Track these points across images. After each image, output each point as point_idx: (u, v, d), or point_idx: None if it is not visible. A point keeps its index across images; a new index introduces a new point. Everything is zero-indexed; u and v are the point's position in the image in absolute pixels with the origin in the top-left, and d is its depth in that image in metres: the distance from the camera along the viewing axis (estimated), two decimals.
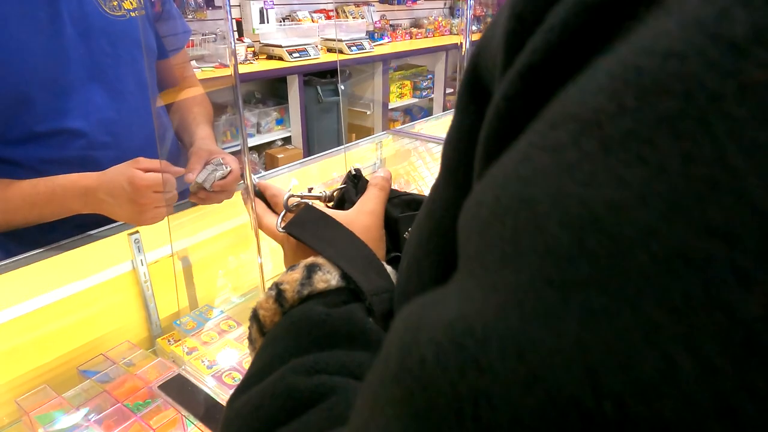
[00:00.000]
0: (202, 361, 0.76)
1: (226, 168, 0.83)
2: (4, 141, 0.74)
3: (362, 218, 0.40)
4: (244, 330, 0.84)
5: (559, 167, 0.13)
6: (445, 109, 3.91)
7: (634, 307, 0.10)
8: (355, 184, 0.45)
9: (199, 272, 0.91)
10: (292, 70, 2.72)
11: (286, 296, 0.33)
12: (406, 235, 0.40)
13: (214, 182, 0.81)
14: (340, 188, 0.45)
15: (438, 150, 1.32)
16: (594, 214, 0.11)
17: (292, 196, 0.43)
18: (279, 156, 2.83)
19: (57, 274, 0.76)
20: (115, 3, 0.79)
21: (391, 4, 3.63)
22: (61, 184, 0.73)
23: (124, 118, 0.81)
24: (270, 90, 3.00)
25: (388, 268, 0.35)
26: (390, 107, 3.45)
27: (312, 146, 2.94)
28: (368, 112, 3.33)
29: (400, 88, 3.60)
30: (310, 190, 0.45)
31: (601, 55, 0.13)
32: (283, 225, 0.41)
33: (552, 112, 0.14)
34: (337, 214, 0.40)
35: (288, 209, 0.43)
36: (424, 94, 3.75)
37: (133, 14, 0.81)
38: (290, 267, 0.35)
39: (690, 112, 0.10)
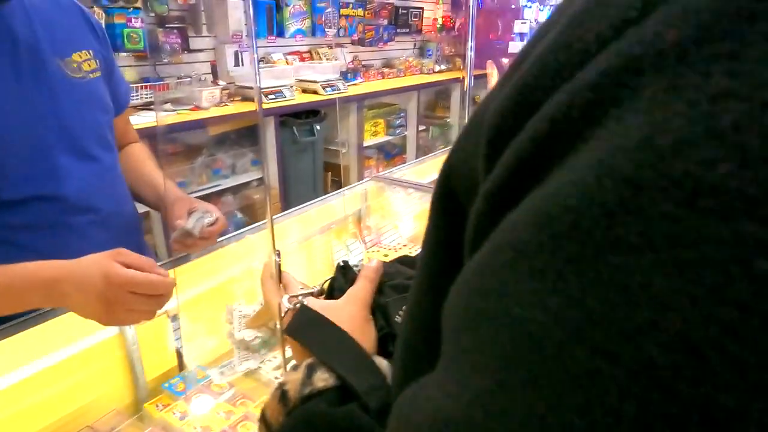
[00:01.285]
0: (195, 428, 0.73)
1: (213, 215, 0.83)
2: None
3: (350, 308, 0.44)
4: (236, 391, 0.82)
5: (501, 288, 0.16)
6: (417, 146, 3.98)
7: (553, 407, 0.13)
8: (344, 274, 0.51)
9: (188, 330, 0.88)
10: (267, 112, 2.73)
11: (289, 396, 0.36)
12: (397, 318, 0.44)
13: (203, 228, 0.80)
14: (330, 279, 0.51)
15: (421, 196, 1.34)
16: (527, 331, 0.14)
17: (291, 296, 0.48)
18: (255, 197, 2.82)
19: (39, 343, 0.73)
20: (75, 65, 0.78)
21: (363, 45, 3.73)
22: (20, 274, 0.63)
23: (95, 180, 0.80)
24: (245, 131, 3.00)
25: (378, 360, 0.40)
26: (364, 145, 3.49)
27: (288, 186, 2.94)
28: (343, 151, 3.36)
29: (374, 126, 3.66)
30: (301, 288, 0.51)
31: (541, 181, 0.16)
32: (284, 327, 0.46)
33: (497, 237, 0.17)
34: (328, 305, 0.45)
35: (288, 308, 0.48)
36: (397, 131, 3.82)
37: (92, 75, 0.81)
38: (293, 367, 0.40)
39: (583, 259, 0.13)
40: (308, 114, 3.00)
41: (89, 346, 0.77)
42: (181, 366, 0.87)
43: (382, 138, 3.74)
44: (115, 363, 0.80)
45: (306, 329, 0.42)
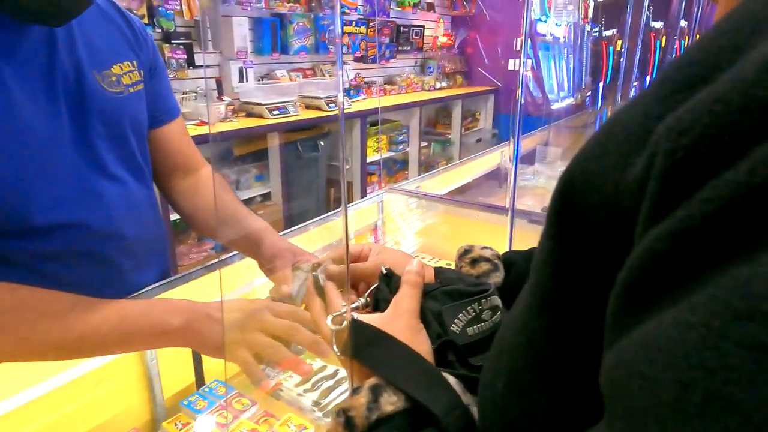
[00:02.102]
0: None
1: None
2: None
3: (399, 320, 0.41)
4: (258, 408, 0.79)
5: (709, 367, 0.13)
6: (419, 161, 3.98)
7: None
8: (387, 283, 0.47)
9: None
10: (272, 127, 2.73)
11: (355, 422, 0.33)
12: (453, 326, 0.42)
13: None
14: (373, 289, 0.48)
15: (437, 207, 1.32)
16: (747, 417, 0.12)
17: (335, 316, 0.44)
18: (259, 212, 2.79)
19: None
20: (114, 79, 0.72)
21: (365, 62, 3.75)
22: (162, 299, 0.66)
23: (122, 205, 0.74)
24: (248, 147, 2.99)
25: (445, 374, 0.36)
26: (367, 161, 3.49)
27: (291, 202, 2.92)
28: (347, 167, 3.35)
29: (377, 142, 3.66)
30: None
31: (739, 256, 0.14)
32: (337, 348, 0.43)
33: (696, 301, 0.15)
34: (375, 319, 0.41)
35: (333, 329, 0.45)
36: (399, 147, 3.83)
37: (131, 90, 0.75)
38: (354, 389, 0.35)
39: None
40: (311, 130, 3.00)
41: (107, 362, 0.74)
42: (200, 382, 0.84)
43: (385, 154, 3.74)
44: (134, 379, 0.77)
45: (365, 347, 0.39)
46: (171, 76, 2.45)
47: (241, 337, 0.59)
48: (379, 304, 0.47)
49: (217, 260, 0.93)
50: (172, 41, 2.46)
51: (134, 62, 0.76)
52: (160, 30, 2.40)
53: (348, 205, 1.28)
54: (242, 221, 0.83)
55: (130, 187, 0.75)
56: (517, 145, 0.78)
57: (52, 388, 0.67)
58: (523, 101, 0.88)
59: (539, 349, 0.24)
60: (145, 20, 2.29)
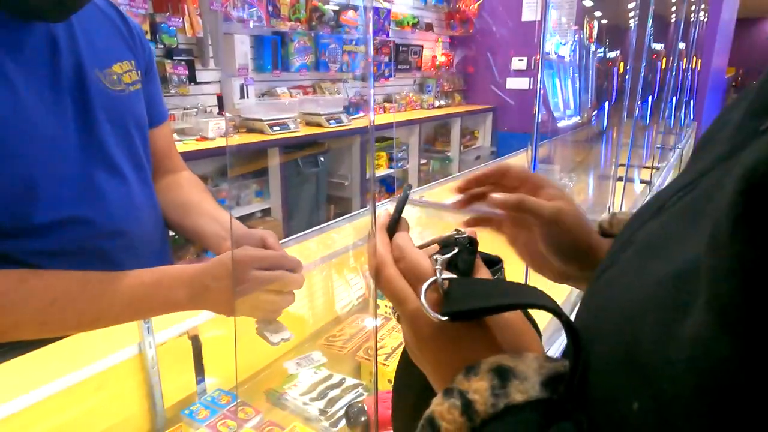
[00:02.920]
0: None
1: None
2: None
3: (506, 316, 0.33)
4: (263, 418, 0.76)
5: None
6: (419, 178, 3.99)
7: None
8: (470, 249, 0.37)
9: (210, 353, 0.83)
10: (272, 143, 2.73)
11: (476, 408, 0.27)
12: None
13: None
14: (454, 254, 0.37)
15: (441, 216, 1.31)
16: None
17: (430, 282, 0.34)
18: (260, 228, 2.77)
19: (52, 364, 0.67)
20: (116, 77, 0.73)
21: (365, 80, 3.78)
22: (167, 272, 0.67)
23: (127, 201, 0.73)
24: (249, 163, 2.99)
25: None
26: (366, 178, 3.49)
27: (291, 217, 2.91)
28: (346, 183, 3.35)
29: (377, 159, 3.67)
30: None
31: None
32: (438, 310, 0.33)
33: None
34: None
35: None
36: (399, 164, 3.83)
37: (131, 88, 0.76)
38: (468, 369, 0.29)
39: None
40: (312, 146, 3.00)
41: (106, 368, 0.71)
42: (201, 392, 0.81)
43: (384, 171, 3.75)
44: (134, 387, 0.75)
45: (472, 298, 0.32)
46: (172, 92, 2.46)
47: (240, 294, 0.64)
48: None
49: None
50: (174, 57, 2.47)
51: (132, 62, 0.76)
52: (162, 46, 2.41)
53: (343, 217, 1.27)
54: (221, 215, 0.84)
55: (134, 185, 0.74)
56: (535, 158, 0.77)
57: (50, 394, 0.64)
58: (540, 119, 0.88)
59: (720, 376, 0.19)
60: (148, 36, 2.31)
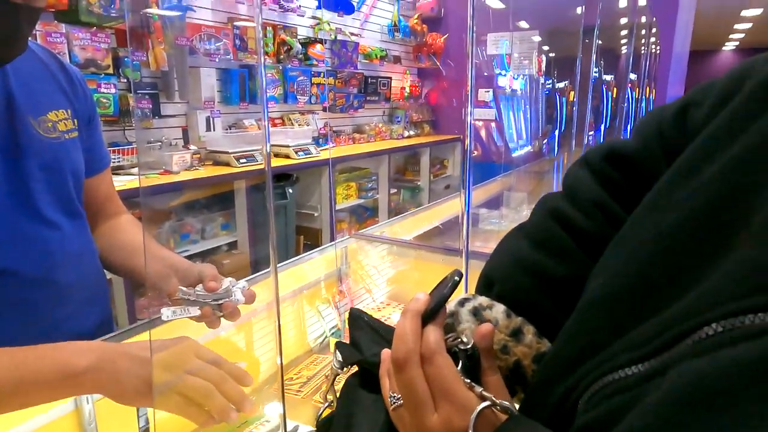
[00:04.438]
0: None
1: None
2: None
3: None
4: None
5: None
6: (389, 208, 4.00)
7: None
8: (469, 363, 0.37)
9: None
10: (239, 176, 2.71)
11: None
12: None
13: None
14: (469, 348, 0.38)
15: (403, 252, 1.31)
16: None
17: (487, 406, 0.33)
18: (224, 262, 2.72)
19: None
20: (50, 125, 0.72)
21: (334, 112, 3.82)
22: (76, 341, 0.57)
23: (56, 249, 0.72)
24: (215, 196, 2.95)
25: None
26: (336, 208, 3.49)
27: (259, 251, 2.87)
28: (316, 214, 3.33)
29: (346, 189, 3.67)
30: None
31: None
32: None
33: None
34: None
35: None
36: (369, 194, 3.85)
37: (67, 136, 0.75)
38: None
39: None
40: (280, 178, 2.99)
41: (39, 426, 0.67)
42: None
43: (354, 201, 3.75)
44: None
45: None
46: (136, 125, 2.43)
47: (169, 380, 0.54)
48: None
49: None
50: (138, 91, 2.45)
51: (68, 111, 0.76)
52: (125, 80, 2.39)
53: (311, 252, 1.26)
54: (161, 252, 0.82)
55: (67, 233, 0.73)
56: (468, 193, 0.79)
57: None
58: (477, 149, 0.91)
59: None
60: (110, 70, 2.29)
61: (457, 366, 0.35)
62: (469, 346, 0.37)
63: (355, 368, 0.45)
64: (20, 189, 0.68)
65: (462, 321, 0.41)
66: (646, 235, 0.30)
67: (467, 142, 0.90)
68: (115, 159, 2.34)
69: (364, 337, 0.43)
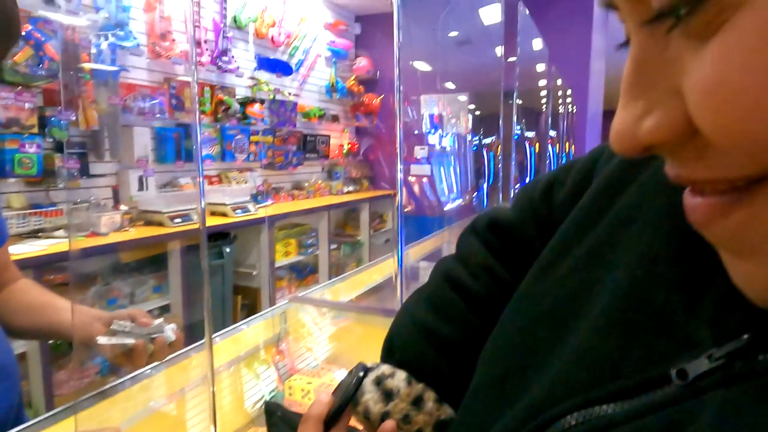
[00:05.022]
0: None
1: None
2: None
3: None
4: None
5: None
6: (330, 263, 3.98)
7: None
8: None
9: None
10: (172, 236, 2.62)
11: None
12: None
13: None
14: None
15: (343, 315, 1.30)
16: None
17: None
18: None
19: None
20: None
21: (273, 168, 3.83)
22: None
23: None
24: (147, 257, 2.82)
25: None
26: (276, 266, 3.43)
27: (194, 313, 2.74)
28: (254, 273, 3.26)
29: (286, 246, 3.63)
30: None
31: None
32: None
33: None
34: None
35: None
36: (309, 251, 3.82)
37: None
38: None
39: None
40: (216, 237, 2.92)
41: None
42: None
43: (294, 258, 3.70)
44: None
45: None
46: (61, 186, 2.32)
47: None
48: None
49: (108, 386, 0.84)
50: (66, 151, 2.36)
51: None
52: (51, 140, 2.30)
53: (250, 318, 1.23)
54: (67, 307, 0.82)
55: None
56: (401, 251, 0.82)
57: None
58: (411, 204, 0.95)
59: None
60: (35, 130, 2.20)
61: None
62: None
63: None
64: None
65: (365, 392, 0.42)
66: (512, 326, 0.33)
67: (398, 198, 0.94)
68: (36, 221, 2.21)
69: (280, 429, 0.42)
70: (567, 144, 4.79)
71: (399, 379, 0.42)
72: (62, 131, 2.31)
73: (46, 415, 0.75)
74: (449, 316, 0.44)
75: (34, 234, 2.19)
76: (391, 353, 0.45)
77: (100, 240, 2.29)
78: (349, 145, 4.76)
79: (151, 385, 0.93)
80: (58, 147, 2.35)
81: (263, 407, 0.42)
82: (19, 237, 2.11)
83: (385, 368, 0.43)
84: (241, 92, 3.50)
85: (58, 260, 2.06)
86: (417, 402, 0.41)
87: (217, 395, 1.08)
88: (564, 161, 4.83)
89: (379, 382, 0.42)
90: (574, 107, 5.06)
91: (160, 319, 0.77)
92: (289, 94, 3.97)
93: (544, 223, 0.43)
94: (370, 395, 0.41)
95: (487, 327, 0.38)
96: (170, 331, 0.76)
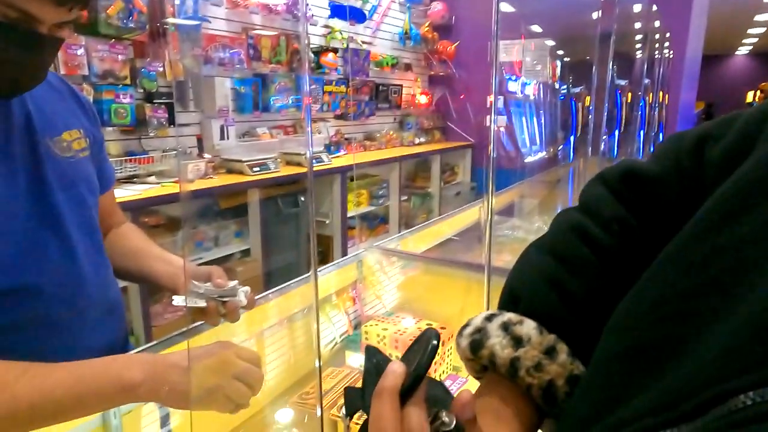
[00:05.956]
0: None
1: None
2: None
3: None
4: None
5: None
6: (399, 215, 4.01)
7: None
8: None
9: (178, 421, 0.81)
10: (252, 184, 2.74)
11: None
12: None
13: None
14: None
15: (416, 265, 1.32)
16: None
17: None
18: (238, 269, 2.75)
19: None
20: (65, 144, 0.76)
21: (346, 119, 3.84)
22: (123, 354, 0.64)
23: (77, 269, 0.74)
24: (228, 204, 2.98)
25: None
26: (348, 215, 3.50)
27: (271, 259, 2.89)
28: (327, 221, 3.35)
29: (357, 196, 3.69)
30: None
31: None
32: None
33: None
34: None
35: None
36: (380, 201, 3.86)
37: (81, 155, 0.78)
38: None
39: None
40: (292, 186, 3.02)
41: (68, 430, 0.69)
42: None
43: (365, 208, 3.76)
44: None
45: None
46: (151, 134, 2.47)
47: (216, 384, 0.61)
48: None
49: (192, 325, 0.92)
50: (154, 101, 2.49)
51: (80, 130, 0.79)
52: (142, 90, 2.43)
53: (329, 265, 1.28)
54: (166, 257, 0.88)
55: (87, 250, 0.75)
56: (491, 203, 0.79)
57: None
58: (495, 156, 0.91)
59: None
60: (128, 81, 2.33)
61: None
62: (451, 427, 0.33)
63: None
64: (44, 210, 0.70)
65: (491, 336, 0.40)
66: (662, 292, 0.30)
67: (490, 148, 0.90)
68: (131, 168, 2.38)
69: (369, 380, 0.39)
70: (661, 93, 4.40)
71: (529, 327, 0.40)
72: (151, 82, 2.43)
73: (146, 345, 0.84)
74: (578, 270, 0.41)
75: (130, 180, 2.37)
76: (514, 303, 0.43)
77: (186, 186, 2.43)
78: (422, 96, 4.66)
79: (232, 326, 1.00)
80: (148, 97, 2.49)
81: (365, 349, 0.42)
82: (117, 182, 2.29)
83: (512, 316, 0.42)
84: (316, 41, 3.49)
85: (151, 204, 2.23)
86: (549, 352, 0.39)
87: (292, 336, 1.14)
88: (656, 112, 4.46)
89: (506, 327, 0.40)
90: (671, 52, 4.61)
91: (235, 281, 0.79)
92: (362, 42, 3.91)
93: (690, 179, 0.40)
94: (497, 340, 0.40)
95: (618, 284, 0.36)
96: (242, 294, 0.78)
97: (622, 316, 0.33)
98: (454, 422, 0.33)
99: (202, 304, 0.76)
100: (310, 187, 0.54)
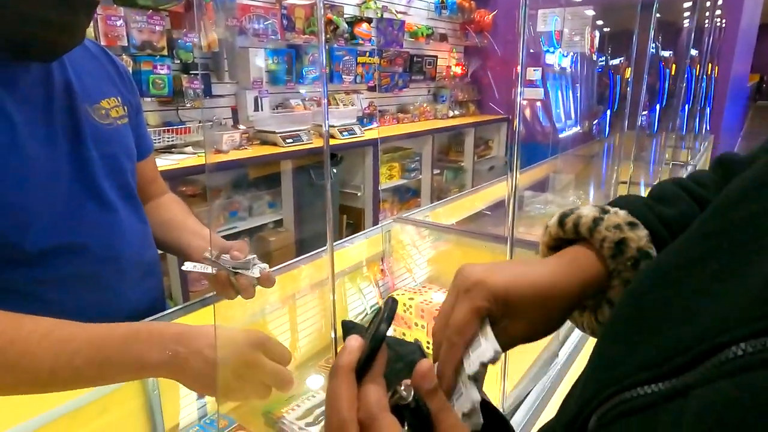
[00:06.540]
0: None
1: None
2: None
3: None
4: None
5: None
6: (432, 189, 3.99)
7: None
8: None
9: None
10: (285, 155, 2.77)
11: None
12: None
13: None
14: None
15: (445, 237, 1.31)
16: None
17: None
18: (271, 239, 2.81)
19: None
20: (104, 112, 0.78)
21: (379, 91, 3.81)
22: (148, 326, 0.63)
23: (117, 229, 0.77)
24: (262, 174, 3.03)
25: None
26: (380, 188, 3.51)
27: (303, 229, 2.94)
28: (359, 194, 3.37)
29: (390, 170, 3.68)
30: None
31: None
32: None
33: None
34: None
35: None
36: (412, 175, 3.84)
37: (119, 122, 0.81)
38: None
39: None
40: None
41: (107, 392, 0.74)
42: (203, 413, 0.83)
43: (397, 181, 3.76)
44: (135, 410, 0.77)
45: None
46: (188, 105, 2.52)
47: (241, 385, 0.60)
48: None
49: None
50: (190, 72, 2.53)
51: (118, 98, 0.81)
52: (179, 61, 2.47)
53: (356, 235, 1.29)
54: (203, 232, 0.89)
55: (124, 213, 0.79)
56: (515, 178, 0.78)
57: (52, 420, 0.67)
58: (522, 130, 0.89)
59: None
60: (165, 52, 2.36)
61: (403, 426, 0.30)
62: (409, 400, 0.31)
63: None
64: (83, 174, 0.73)
65: (582, 208, 0.44)
66: (677, 259, 0.30)
67: (515, 123, 0.88)
68: (169, 138, 2.43)
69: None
70: (709, 65, 4.15)
71: (619, 213, 0.42)
72: (188, 53, 2.46)
73: (182, 305, 0.87)
74: (672, 202, 0.44)
75: (168, 150, 2.43)
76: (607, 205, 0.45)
77: (221, 157, 2.48)
78: (457, 67, 4.56)
79: (264, 291, 1.03)
80: (185, 68, 2.53)
81: (341, 325, 0.40)
82: (156, 152, 2.36)
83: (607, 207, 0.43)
84: (350, 11, 3.45)
85: (188, 174, 2.29)
86: (632, 225, 0.41)
87: (323, 299, 1.17)
88: (704, 84, 4.22)
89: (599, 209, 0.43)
90: (723, 21, 4.33)
91: (253, 255, 0.76)
92: (397, 12, 3.83)
93: None
94: (586, 210, 0.43)
95: None
96: (257, 269, 0.74)
97: (638, 282, 0.32)
98: (412, 394, 0.31)
99: (208, 270, 0.75)
100: (326, 160, 0.54)
